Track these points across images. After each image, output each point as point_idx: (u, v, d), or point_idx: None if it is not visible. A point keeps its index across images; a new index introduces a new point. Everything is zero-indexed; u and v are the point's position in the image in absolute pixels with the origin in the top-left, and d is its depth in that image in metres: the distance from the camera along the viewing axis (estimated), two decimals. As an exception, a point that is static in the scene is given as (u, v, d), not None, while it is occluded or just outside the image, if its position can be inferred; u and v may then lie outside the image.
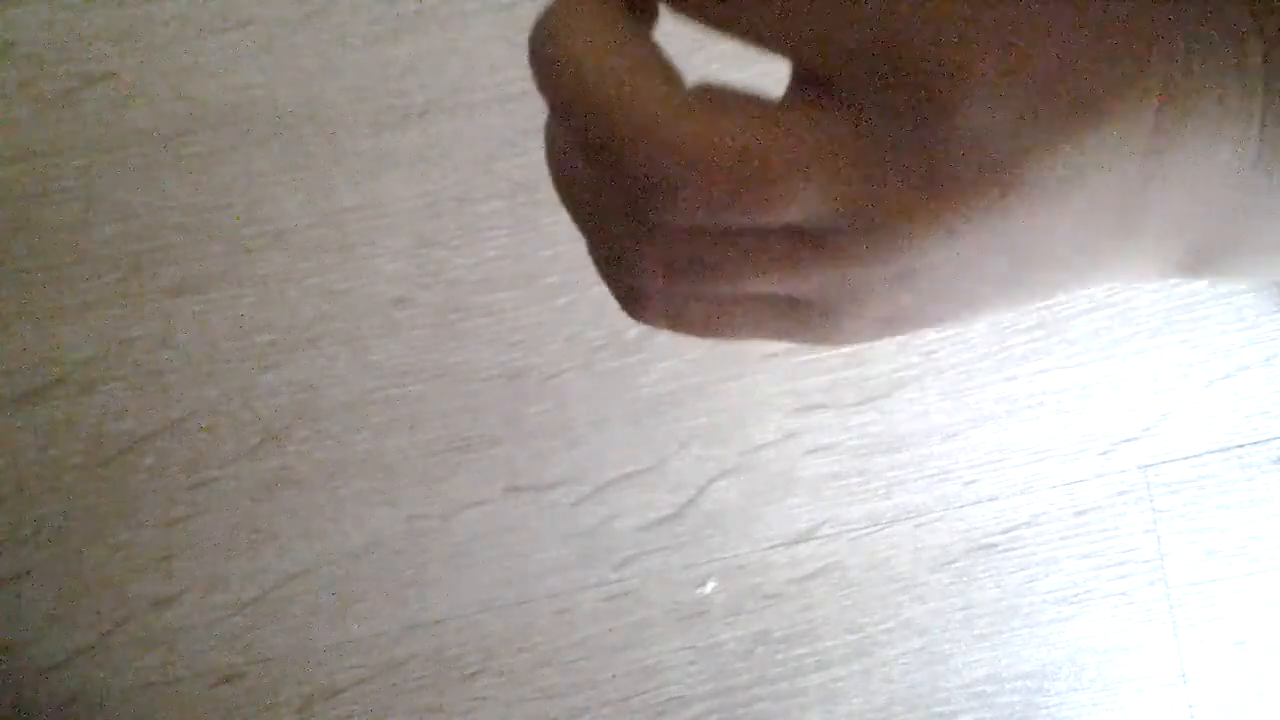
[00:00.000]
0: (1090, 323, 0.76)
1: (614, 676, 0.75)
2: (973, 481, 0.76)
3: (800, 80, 0.15)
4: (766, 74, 0.72)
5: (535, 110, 0.72)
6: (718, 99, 0.15)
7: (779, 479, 0.75)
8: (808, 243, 0.16)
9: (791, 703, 0.76)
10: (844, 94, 0.15)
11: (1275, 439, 0.77)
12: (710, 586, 0.75)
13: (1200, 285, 0.76)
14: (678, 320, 0.19)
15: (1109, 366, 0.76)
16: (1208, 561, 0.77)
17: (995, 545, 0.76)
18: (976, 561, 0.76)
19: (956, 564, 0.76)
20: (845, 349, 0.74)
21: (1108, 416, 0.76)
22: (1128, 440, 0.76)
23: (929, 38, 0.13)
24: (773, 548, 0.75)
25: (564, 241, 0.73)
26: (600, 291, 0.74)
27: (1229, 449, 0.77)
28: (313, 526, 0.73)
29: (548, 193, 0.73)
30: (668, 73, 0.15)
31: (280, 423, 0.73)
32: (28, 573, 0.72)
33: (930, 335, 0.75)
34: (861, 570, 0.76)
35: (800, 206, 0.15)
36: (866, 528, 0.75)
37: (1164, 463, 0.76)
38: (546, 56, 0.15)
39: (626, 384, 0.74)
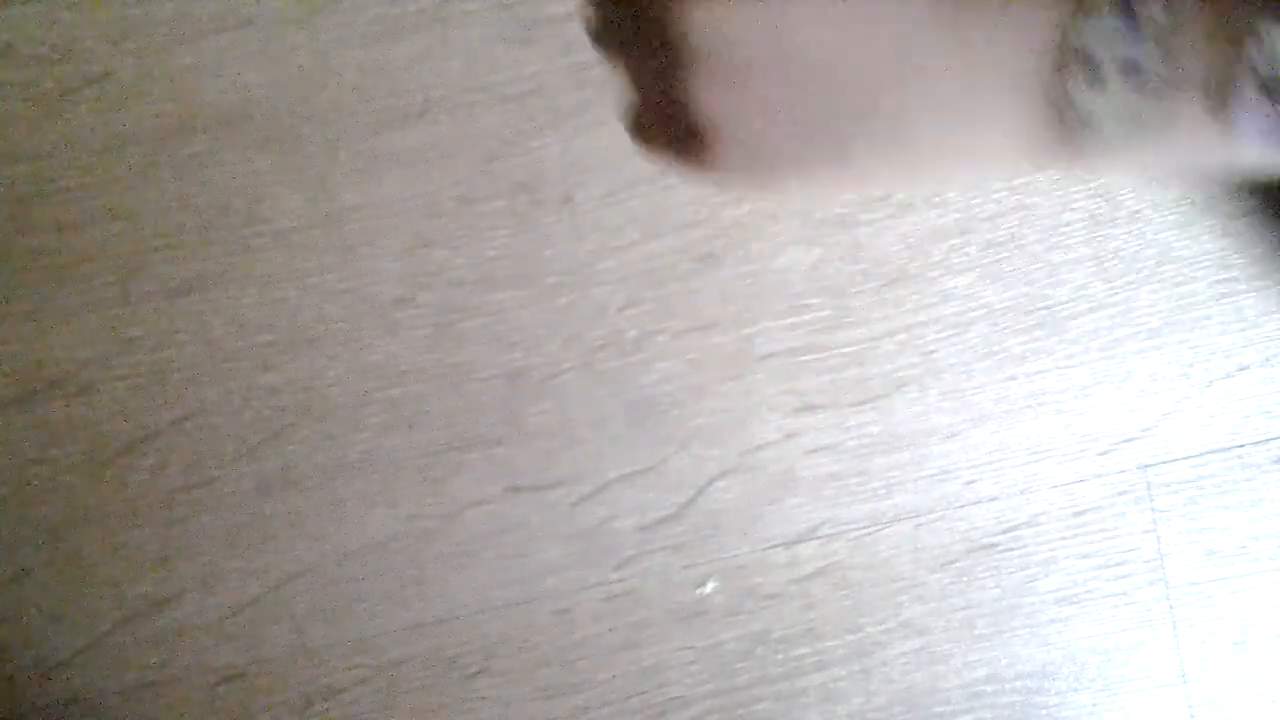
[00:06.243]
0: (1090, 323, 0.76)
1: (614, 676, 0.75)
2: (973, 481, 0.76)
3: None
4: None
5: (535, 110, 0.72)
6: None
7: (779, 479, 0.75)
8: None
9: (791, 703, 0.76)
10: None
11: (1275, 439, 0.77)
12: (710, 586, 0.75)
13: (1200, 285, 0.76)
14: None
15: (1109, 366, 0.76)
16: (1208, 561, 0.77)
17: (995, 545, 0.76)
18: (976, 561, 0.76)
19: (956, 564, 0.76)
20: (843, 348, 0.74)
21: (1108, 416, 0.76)
22: (1128, 440, 0.76)
23: None
24: (773, 548, 0.75)
25: (564, 241, 0.73)
26: (600, 291, 0.74)
27: (1229, 449, 0.77)
28: (313, 526, 0.73)
29: (548, 192, 0.73)
30: None
31: (280, 423, 0.73)
32: (28, 573, 0.72)
33: (930, 335, 0.75)
34: (861, 570, 0.76)
35: None
36: (866, 528, 0.75)
37: (1164, 463, 0.76)
38: None
39: (626, 384, 0.74)
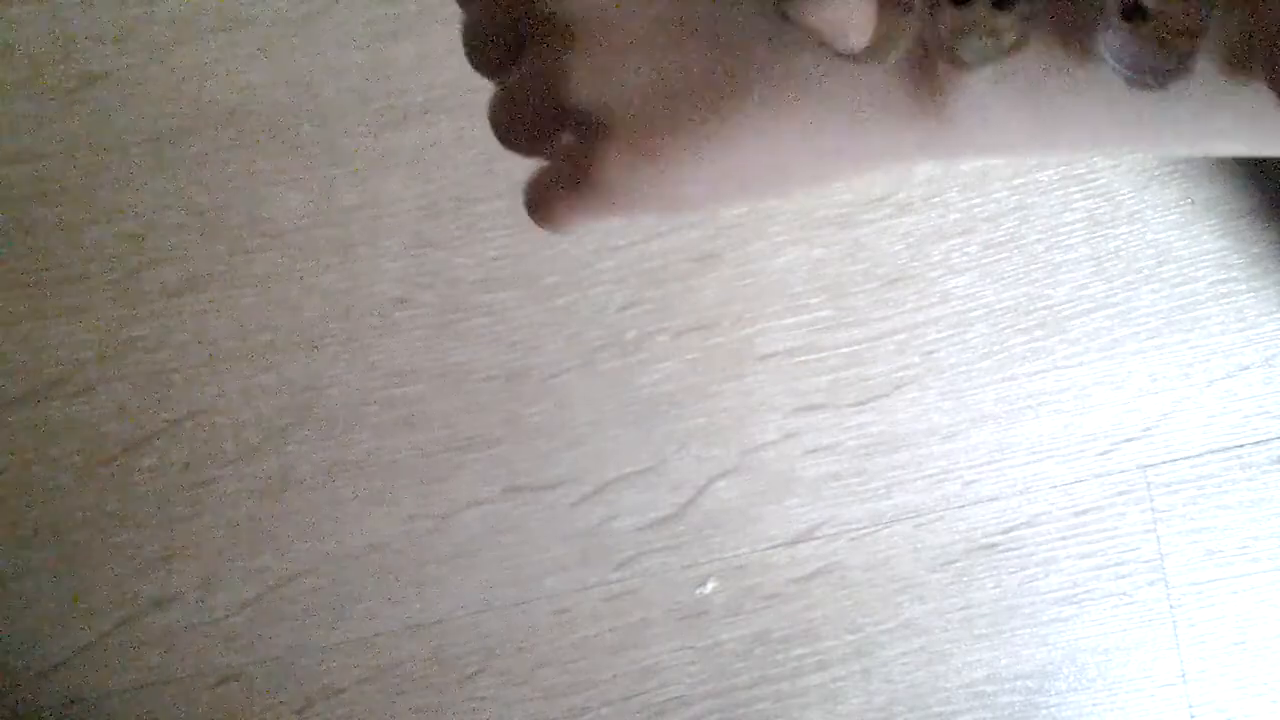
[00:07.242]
0: (1090, 323, 0.76)
1: (614, 676, 0.75)
2: (973, 481, 0.76)
3: None
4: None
5: (535, 110, 0.72)
6: None
7: (779, 479, 0.75)
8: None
9: (791, 703, 0.76)
10: None
11: (1275, 439, 0.77)
12: (710, 586, 0.75)
13: (1200, 285, 0.76)
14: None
15: (1109, 366, 0.76)
16: (1208, 561, 0.77)
17: (995, 545, 0.76)
18: (976, 561, 0.76)
19: (956, 564, 0.76)
20: (843, 348, 0.74)
21: (1108, 416, 0.76)
22: (1128, 440, 0.76)
23: None
24: (773, 548, 0.75)
25: (564, 241, 0.73)
26: (600, 291, 0.74)
27: (1229, 449, 0.77)
28: (313, 526, 0.73)
29: (548, 193, 0.73)
30: None
31: (280, 423, 0.73)
32: (28, 573, 0.72)
33: (930, 335, 0.75)
34: (861, 570, 0.76)
35: None
36: (866, 528, 0.75)
37: (1164, 463, 0.76)
38: None
39: (626, 384, 0.74)
